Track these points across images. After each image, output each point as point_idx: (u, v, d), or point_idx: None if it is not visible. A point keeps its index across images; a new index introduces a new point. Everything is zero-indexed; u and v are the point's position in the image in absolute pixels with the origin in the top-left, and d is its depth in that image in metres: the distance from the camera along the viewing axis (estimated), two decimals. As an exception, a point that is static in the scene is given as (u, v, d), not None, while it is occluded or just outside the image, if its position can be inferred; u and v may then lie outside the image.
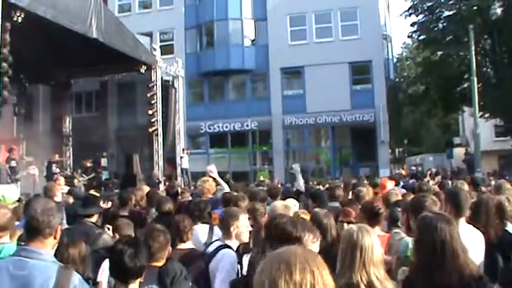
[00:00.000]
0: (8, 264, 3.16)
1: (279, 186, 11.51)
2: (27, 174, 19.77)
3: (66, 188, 10.45)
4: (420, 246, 3.64)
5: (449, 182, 14.03)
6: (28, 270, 3.07)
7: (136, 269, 3.70)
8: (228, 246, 5.14)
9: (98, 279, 4.65)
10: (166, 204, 7.76)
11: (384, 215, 5.84)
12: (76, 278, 3.16)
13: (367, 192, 8.47)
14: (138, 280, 3.77)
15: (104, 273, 4.73)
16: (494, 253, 4.69)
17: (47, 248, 3.26)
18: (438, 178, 19.65)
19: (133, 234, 5.47)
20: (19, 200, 11.49)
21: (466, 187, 8.72)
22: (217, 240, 5.44)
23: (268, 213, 6.13)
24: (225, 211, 5.56)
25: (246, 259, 4.91)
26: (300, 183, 11.37)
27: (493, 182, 12.17)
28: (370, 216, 5.57)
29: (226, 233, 5.30)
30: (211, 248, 5.21)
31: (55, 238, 3.34)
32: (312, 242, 3.59)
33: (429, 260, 3.48)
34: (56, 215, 3.33)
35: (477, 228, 4.86)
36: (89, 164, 24.32)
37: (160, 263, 4.58)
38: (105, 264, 4.82)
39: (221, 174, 11.31)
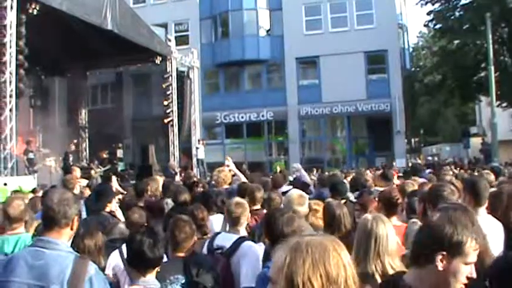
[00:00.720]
0: (26, 254, 3.18)
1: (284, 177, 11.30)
2: (44, 165, 19.88)
3: (85, 182, 10.47)
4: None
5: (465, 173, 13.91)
6: (45, 260, 3.07)
7: (156, 259, 3.74)
8: (246, 239, 5.12)
9: (106, 272, 4.56)
10: (182, 194, 7.74)
11: (401, 204, 5.80)
12: (92, 268, 3.14)
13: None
14: (156, 270, 3.79)
15: (110, 267, 4.74)
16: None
17: (63, 238, 3.26)
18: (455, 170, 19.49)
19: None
20: (34, 191, 11.57)
21: (492, 177, 8.65)
22: (228, 232, 5.38)
23: (283, 203, 6.09)
24: (235, 204, 5.44)
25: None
26: (306, 178, 11.22)
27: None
28: (388, 206, 5.53)
29: (237, 224, 5.30)
30: (225, 240, 5.12)
31: (72, 229, 3.33)
32: None
33: None
34: (72, 206, 3.32)
35: (496, 218, 4.79)
36: (105, 155, 24.39)
37: (185, 254, 4.56)
38: (113, 257, 4.82)
39: (237, 165, 11.27)
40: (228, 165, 10.72)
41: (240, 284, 4.75)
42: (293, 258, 1.90)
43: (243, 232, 5.36)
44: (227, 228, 5.49)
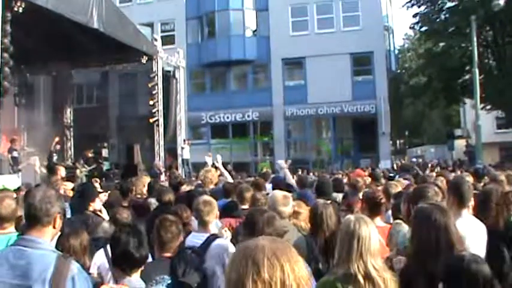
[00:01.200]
0: (8, 254, 3.16)
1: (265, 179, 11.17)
2: (28, 164, 19.78)
3: (71, 185, 10.39)
4: (415, 236, 3.68)
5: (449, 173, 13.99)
6: (27, 260, 3.06)
7: (141, 259, 3.72)
8: (217, 237, 5.14)
9: (91, 271, 4.51)
10: (167, 194, 7.74)
11: (385, 205, 5.83)
12: (75, 267, 3.11)
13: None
14: (140, 269, 3.78)
15: (95, 266, 4.71)
16: (500, 245, 4.63)
17: (45, 237, 3.23)
18: (438, 169, 19.64)
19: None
20: (19, 190, 11.49)
21: (470, 179, 8.72)
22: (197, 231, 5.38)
23: (268, 203, 6.10)
24: (202, 202, 5.41)
25: None
26: (289, 178, 10.98)
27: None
28: (371, 206, 5.56)
29: (206, 222, 5.30)
30: (195, 239, 5.13)
31: (54, 227, 3.28)
32: None
33: (424, 250, 3.52)
34: (55, 204, 3.27)
35: (481, 219, 4.82)
36: (90, 155, 24.30)
37: (171, 254, 4.57)
38: (97, 256, 4.80)
39: (222, 165, 11.27)
40: (214, 163, 10.71)
41: (214, 283, 4.77)
42: (233, 262, 1.96)
43: (214, 230, 5.35)
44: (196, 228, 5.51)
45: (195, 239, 5.14)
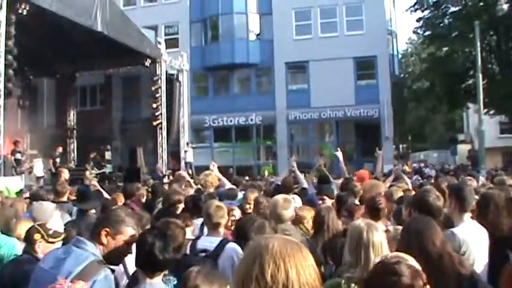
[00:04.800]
0: (60, 249, 3.72)
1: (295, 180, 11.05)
2: (31, 166, 19.81)
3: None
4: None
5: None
6: (68, 255, 3.37)
7: (165, 262, 3.74)
8: (230, 240, 5.14)
9: None
10: (174, 196, 7.67)
11: (385, 210, 5.82)
12: (103, 274, 3.30)
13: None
14: (163, 273, 3.81)
15: None
16: (504, 249, 4.58)
17: (97, 245, 3.51)
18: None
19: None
20: (21, 192, 11.52)
21: (474, 183, 8.70)
22: (208, 235, 5.39)
23: (269, 208, 6.10)
24: (215, 207, 5.40)
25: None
26: (302, 180, 10.79)
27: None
28: (372, 211, 5.55)
29: (217, 226, 5.30)
30: (207, 243, 5.12)
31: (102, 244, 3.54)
32: None
33: None
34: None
35: (481, 224, 4.81)
36: (96, 157, 24.37)
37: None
38: None
39: (224, 169, 11.23)
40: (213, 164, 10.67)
41: None
42: (244, 256, 1.99)
43: (222, 235, 5.36)
44: (205, 232, 5.50)
45: (207, 242, 5.13)
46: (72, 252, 3.39)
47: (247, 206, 7.11)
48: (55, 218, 4.84)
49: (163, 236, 3.82)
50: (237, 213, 6.00)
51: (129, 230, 3.62)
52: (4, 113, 15.81)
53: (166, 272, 3.84)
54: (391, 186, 9.10)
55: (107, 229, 3.52)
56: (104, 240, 3.50)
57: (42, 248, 4.37)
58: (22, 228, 5.24)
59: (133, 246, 3.69)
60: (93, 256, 3.37)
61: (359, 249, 3.58)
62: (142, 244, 3.71)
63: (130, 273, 4.40)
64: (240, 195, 8.52)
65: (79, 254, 3.35)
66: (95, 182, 11.45)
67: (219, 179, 10.22)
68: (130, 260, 4.52)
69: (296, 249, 1.95)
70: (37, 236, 4.45)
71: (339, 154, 12.22)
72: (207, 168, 11.36)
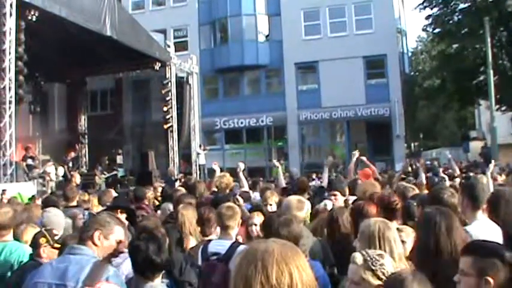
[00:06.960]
0: (53, 260, 3.72)
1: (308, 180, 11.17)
2: (43, 172, 19.89)
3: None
4: (417, 239, 3.76)
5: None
6: (67, 263, 3.44)
7: (163, 263, 3.79)
8: (241, 243, 5.13)
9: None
10: (186, 199, 7.59)
11: (400, 210, 5.76)
12: (111, 270, 3.45)
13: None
14: (162, 273, 3.87)
15: (123, 276, 4.72)
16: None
17: (91, 247, 3.57)
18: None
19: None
20: (34, 197, 11.54)
21: (484, 180, 8.63)
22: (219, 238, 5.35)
23: (282, 208, 6.07)
24: (225, 207, 5.39)
25: None
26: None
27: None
28: (387, 211, 5.47)
29: (228, 228, 5.26)
30: (219, 246, 5.09)
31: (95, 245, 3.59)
32: None
33: (424, 252, 3.56)
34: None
35: (496, 222, 4.75)
36: (106, 161, 24.48)
37: None
38: (125, 265, 4.81)
39: (235, 170, 11.07)
40: (237, 170, 10.51)
41: None
42: (241, 264, 1.95)
43: (234, 237, 5.34)
44: (218, 234, 5.48)
45: (218, 245, 5.10)
46: (70, 260, 3.46)
47: (269, 207, 7.05)
48: (64, 226, 4.89)
49: (155, 239, 3.85)
50: (258, 220, 5.92)
51: (118, 229, 3.70)
52: (16, 119, 15.89)
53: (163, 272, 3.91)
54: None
55: (100, 230, 3.61)
56: (98, 241, 3.57)
57: (47, 253, 4.38)
58: (29, 234, 5.25)
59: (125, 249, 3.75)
60: (93, 258, 3.46)
61: (373, 247, 3.54)
62: (138, 251, 3.76)
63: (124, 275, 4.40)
64: (253, 196, 8.50)
65: (79, 260, 3.43)
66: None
67: (239, 180, 10.17)
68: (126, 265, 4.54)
69: (294, 252, 1.99)
70: (42, 240, 4.48)
71: (356, 153, 12.26)
72: (221, 170, 11.34)
